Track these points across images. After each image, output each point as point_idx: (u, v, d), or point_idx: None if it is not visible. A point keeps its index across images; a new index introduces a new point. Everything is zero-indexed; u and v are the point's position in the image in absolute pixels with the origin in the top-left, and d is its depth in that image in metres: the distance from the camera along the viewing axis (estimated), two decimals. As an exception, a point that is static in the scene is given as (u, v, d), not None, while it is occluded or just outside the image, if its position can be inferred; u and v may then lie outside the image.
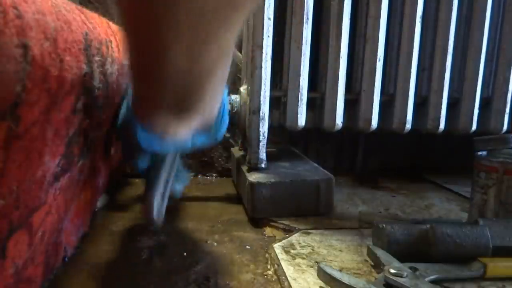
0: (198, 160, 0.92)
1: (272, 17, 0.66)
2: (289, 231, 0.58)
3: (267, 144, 0.70)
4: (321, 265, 0.43)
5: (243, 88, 0.72)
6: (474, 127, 0.77)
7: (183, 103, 0.38)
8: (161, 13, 0.27)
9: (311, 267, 0.46)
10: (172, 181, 0.49)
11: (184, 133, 0.42)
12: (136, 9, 0.29)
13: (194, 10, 0.27)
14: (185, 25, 0.28)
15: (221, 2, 0.28)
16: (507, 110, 0.77)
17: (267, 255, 0.51)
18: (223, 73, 0.38)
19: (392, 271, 0.41)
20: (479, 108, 0.77)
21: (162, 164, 0.47)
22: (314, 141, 0.96)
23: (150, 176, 0.49)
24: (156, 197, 0.46)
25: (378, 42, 0.72)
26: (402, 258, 0.44)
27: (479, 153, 0.57)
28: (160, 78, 0.34)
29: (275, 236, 0.57)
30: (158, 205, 0.46)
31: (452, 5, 0.73)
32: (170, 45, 0.30)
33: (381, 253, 0.45)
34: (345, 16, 0.70)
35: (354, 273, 0.45)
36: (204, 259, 0.49)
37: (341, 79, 0.72)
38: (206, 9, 0.28)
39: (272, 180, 0.63)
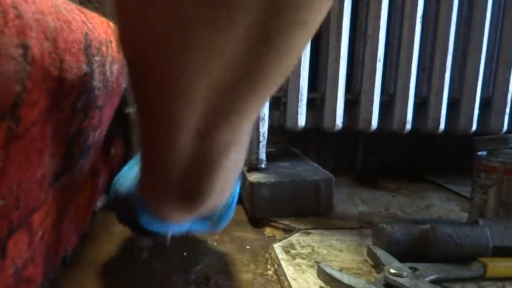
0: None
1: (272, 17, 0.66)
2: (289, 231, 0.58)
3: (267, 144, 0.70)
4: (321, 265, 0.43)
5: (243, 88, 0.72)
6: (474, 127, 0.77)
7: (191, 190, 0.35)
8: (174, 85, 0.25)
9: (311, 267, 0.46)
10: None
11: (188, 219, 0.40)
12: (148, 75, 0.26)
13: (207, 88, 0.25)
14: (196, 109, 0.26)
15: (247, 78, 0.25)
16: (507, 110, 0.77)
17: (267, 255, 0.51)
18: (235, 161, 0.34)
19: (392, 271, 0.41)
20: (479, 108, 0.77)
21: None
22: (314, 141, 0.96)
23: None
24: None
25: (378, 42, 0.72)
26: (402, 258, 0.44)
27: (479, 153, 0.57)
28: (167, 162, 0.32)
29: (275, 236, 0.57)
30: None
31: (452, 5, 0.73)
32: (180, 128, 0.27)
33: (381, 253, 0.45)
34: (345, 16, 0.70)
35: (354, 273, 0.45)
36: (204, 259, 0.49)
37: (341, 80, 0.72)
38: (230, 88, 0.25)
39: (272, 180, 0.63)
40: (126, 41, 0.25)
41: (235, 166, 0.35)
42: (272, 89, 0.28)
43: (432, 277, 0.42)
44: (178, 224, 0.40)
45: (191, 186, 0.34)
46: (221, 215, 0.43)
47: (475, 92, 0.76)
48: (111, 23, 0.58)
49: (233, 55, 0.23)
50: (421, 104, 0.78)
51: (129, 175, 0.46)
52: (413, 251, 0.46)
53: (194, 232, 0.43)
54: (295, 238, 0.54)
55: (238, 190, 0.45)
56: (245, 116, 0.29)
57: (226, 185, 0.37)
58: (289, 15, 0.22)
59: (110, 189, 0.48)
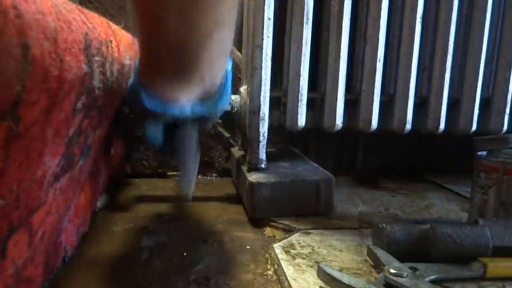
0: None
1: (272, 17, 0.66)
2: (289, 231, 0.58)
3: (267, 144, 0.70)
4: (321, 265, 0.43)
5: (243, 88, 0.72)
6: (474, 127, 0.77)
7: (181, 68, 0.40)
8: None
9: (311, 267, 0.46)
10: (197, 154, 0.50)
11: (185, 98, 0.44)
12: None
13: None
14: None
15: None
16: (507, 110, 0.77)
17: (267, 255, 0.51)
18: (221, 43, 0.39)
19: (392, 271, 0.41)
20: (479, 109, 0.77)
21: (184, 134, 0.48)
22: (314, 141, 0.96)
23: (175, 148, 0.50)
24: (191, 172, 0.48)
25: (378, 42, 0.72)
26: (402, 258, 0.44)
27: (479, 153, 0.57)
28: (158, 42, 0.37)
29: (275, 236, 0.57)
30: (192, 181, 0.48)
31: (452, 5, 0.73)
32: (164, 7, 0.33)
33: (381, 253, 0.45)
34: (345, 17, 0.70)
35: (354, 273, 0.45)
36: (204, 259, 0.49)
37: (341, 79, 0.72)
38: None
39: (272, 180, 0.63)
40: None
41: (221, 46, 0.40)
42: None
43: (432, 277, 0.42)
44: (179, 104, 0.44)
45: (182, 62, 0.39)
46: (218, 95, 0.47)
47: (475, 92, 0.76)
48: (111, 23, 0.58)
49: None
50: (421, 104, 0.78)
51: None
52: (413, 251, 0.46)
53: (198, 115, 0.47)
54: (295, 238, 0.54)
55: (230, 70, 0.50)
56: (219, 2, 0.35)
57: (215, 64, 0.43)
58: None
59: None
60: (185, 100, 0.44)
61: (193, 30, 0.36)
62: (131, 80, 0.51)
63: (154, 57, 0.41)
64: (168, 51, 0.38)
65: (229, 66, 0.50)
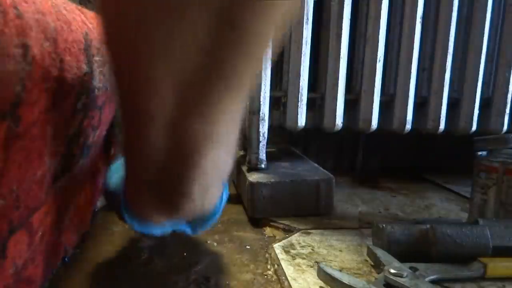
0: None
1: (272, 17, 0.66)
2: (289, 231, 0.58)
3: (267, 144, 0.70)
4: (321, 265, 0.43)
5: (243, 88, 0.72)
6: (474, 127, 0.77)
7: (166, 189, 0.34)
8: (145, 77, 0.25)
9: (311, 267, 0.46)
10: None
11: (169, 223, 0.39)
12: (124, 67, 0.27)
13: (175, 75, 0.25)
14: (169, 91, 0.26)
15: (217, 72, 0.25)
16: (507, 110, 0.77)
17: (267, 255, 0.51)
18: (215, 165, 0.33)
19: (392, 271, 0.41)
20: (479, 109, 0.77)
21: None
22: (314, 141, 0.96)
23: None
24: None
25: (378, 42, 0.72)
26: (402, 258, 0.44)
27: (479, 153, 0.57)
28: (141, 153, 0.31)
29: (275, 236, 0.57)
30: None
31: (452, 5, 0.73)
32: (153, 113, 0.27)
33: (381, 253, 0.45)
34: (345, 17, 0.70)
35: (354, 273, 0.45)
36: (204, 259, 0.49)
37: (341, 80, 0.72)
38: (196, 78, 0.25)
39: (272, 180, 0.63)
40: (104, 34, 0.27)
41: (215, 168, 0.33)
42: (242, 81, 0.28)
43: (432, 277, 0.42)
44: (160, 226, 0.39)
45: (168, 187, 0.33)
46: (204, 220, 0.42)
47: (475, 92, 0.76)
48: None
49: (196, 41, 0.24)
50: (421, 104, 0.78)
51: (120, 169, 0.45)
52: (413, 251, 0.46)
53: (178, 232, 0.43)
54: (295, 238, 0.54)
55: (225, 199, 0.43)
56: (218, 109, 0.28)
57: (208, 190, 0.36)
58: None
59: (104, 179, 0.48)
60: (166, 224, 0.39)
61: (182, 142, 0.29)
62: (114, 181, 0.45)
63: (140, 177, 0.34)
64: (153, 166, 0.31)
65: (226, 187, 0.44)
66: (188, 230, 0.42)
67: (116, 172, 0.46)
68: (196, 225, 0.42)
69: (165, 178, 0.32)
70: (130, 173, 0.36)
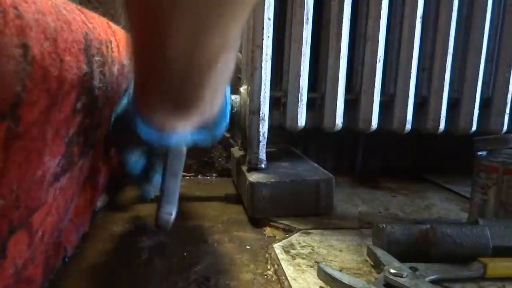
0: (198, 160, 0.92)
1: (272, 17, 0.66)
2: (289, 231, 0.58)
3: (267, 144, 0.70)
4: (321, 265, 0.43)
5: (243, 88, 0.72)
6: (474, 127, 0.77)
7: (182, 96, 0.36)
8: None
9: (311, 267, 0.46)
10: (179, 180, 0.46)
11: (183, 128, 0.41)
12: None
13: None
14: (187, 9, 0.27)
15: None
16: (507, 110, 0.77)
17: (267, 255, 0.51)
18: (225, 68, 0.35)
19: (392, 271, 0.41)
20: (479, 109, 0.77)
21: (172, 160, 0.46)
22: (314, 141, 0.96)
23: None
24: (175, 200, 0.43)
25: (378, 42, 0.72)
26: (402, 258, 0.44)
27: (479, 153, 0.57)
28: (159, 65, 0.32)
29: (275, 236, 0.57)
30: (174, 209, 0.43)
31: (452, 5, 0.73)
32: (171, 28, 0.28)
33: (381, 253, 0.45)
34: (345, 17, 0.70)
35: (354, 273, 0.45)
36: (204, 259, 0.49)
37: (341, 79, 0.72)
38: None
39: (272, 180, 0.63)
40: None
41: (224, 71, 0.36)
42: None
43: (432, 277, 0.42)
44: (175, 134, 0.41)
45: (183, 90, 0.35)
46: (217, 122, 0.44)
47: (475, 92, 0.76)
48: (111, 23, 0.58)
49: None
50: (421, 104, 0.78)
51: (124, 102, 0.48)
52: (413, 251, 0.46)
53: (195, 144, 0.44)
54: (295, 238, 0.54)
55: (229, 98, 0.47)
56: (233, 20, 0.30)
57: (217, 92, 0.39)
58: None
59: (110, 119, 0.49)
60: (183, 130, 0.41)
61: (199, 51, 0.31)
62: (123, 103, 0.47)
63: (152, 82, 0.36)
64: (170, 74, 0.33)
65: (228, 89, 0.47)
66: (203, 138, 0.44)
67: (122, 104, 0.48)
68: (210, 129, 0.44)
69: (181, 84, 0.34)
70: (142, 82, 0.37)
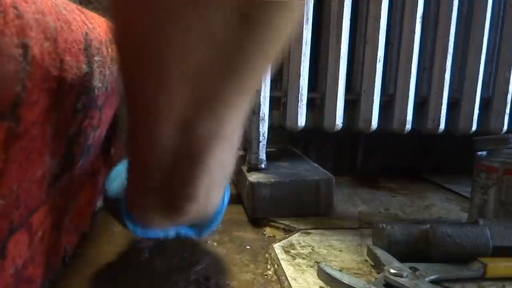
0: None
1: (272, 17, 0.66)
2: (289, 231, 0.58)
3: (267, 144, 0.70)
4: (321, 265, 0.43)
5: (243, 88, 0.72)
6: (474, 127, 0.77)
7: (171, 193, 0.33)
8: (153, 71, 0.25)
9: (311, 267, 0.46)
10: None
11: (172, 226, 0.39)
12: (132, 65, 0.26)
13: (189, 72, 0.24)
14: (182, 87, 0.25)
15: (223, 68, 0.25)
16: (507, 110, 0.77)
17: (267, 255, 0.51)
18: (220, 162, 0.31)
19: (392, 271, 0.41)
20: (479, 109, 0.77)
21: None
22: (314, 141, 0.96)
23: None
24: None
25: (378, 42, 0.72)
26: (402, 258, 0.44)
27: (479, 153, 0.57)
28: (146, 155, 0.30)
29: (275, 236, 0.57)
30: None
31: (452, 5, 0.73)
32: (163, 111, 0.26)
33: (381, 253, 0.45)
34: (345, 17, 0.70)
35: (354, 273, 0.45)
36: (204, 259, 0.49)
37: (341, 80, 0.72)
38: (209, 73, 0.24)
39: (272, 180, 0.63)
40: (114, 30, 0.26)
41: (220, 169, 0.33)
42: (254, 79, 0.28)
43: (432, 277, 0.42)
44: (163, 229, 0.39)
45: (174, 189, 0.32)
46: (209, 221, 0.41)
47: (475, 92, 0.76)
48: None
49: (211, 38, 0.23)
50: (421, 104, 0.78)
51: (121, 175, 0.44)
52: (413, 251, 0.46)
53: (181, 236, 0.43)
54: (295, 238, 0.54)
55: (227, 200, 0.43)
56: (229, 108, 0.28)
57: (211, 190, 0.34)
58: None
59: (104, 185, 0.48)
60: (169, 227, 0.39)
61: (194, 143, 0.28)
62: (115, 187, 0.44)
63: (146, 178, 0.33)
64: (156, 173, 0.31)
65: (228, 187, 0.43)
66: (192, 234, 0.42)
67: (115, 179, 0.45)
68: (200, 228, 0.42)
69: (171, 179, 0.31)
70: (133, 177, 0.35)
